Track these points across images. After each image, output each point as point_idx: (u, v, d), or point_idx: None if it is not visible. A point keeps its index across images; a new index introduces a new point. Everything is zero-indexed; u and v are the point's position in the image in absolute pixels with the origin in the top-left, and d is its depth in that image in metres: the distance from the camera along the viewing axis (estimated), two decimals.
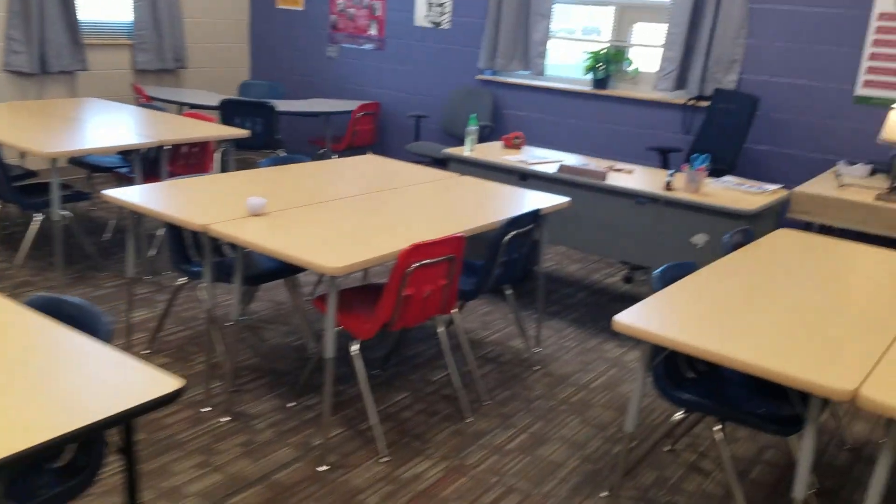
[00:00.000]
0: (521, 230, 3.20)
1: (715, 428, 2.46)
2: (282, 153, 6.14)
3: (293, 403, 3.10)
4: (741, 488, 2.75)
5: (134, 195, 2.97)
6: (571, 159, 4.49)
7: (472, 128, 4.52)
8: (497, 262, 3.19)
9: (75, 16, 6.13)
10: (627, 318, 2.18)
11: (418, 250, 2.67)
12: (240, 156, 7.29)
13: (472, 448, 2.91)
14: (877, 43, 4.68)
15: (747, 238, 3.11)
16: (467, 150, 4.53)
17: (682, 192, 3.81)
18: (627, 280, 4.88)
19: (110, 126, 4.40)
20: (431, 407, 3.18)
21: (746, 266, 2.75)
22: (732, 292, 2.45)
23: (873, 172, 4.39)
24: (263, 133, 5.87)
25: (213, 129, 4.56)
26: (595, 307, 4.39)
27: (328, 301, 2.58)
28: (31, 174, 4.59)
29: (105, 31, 6.55)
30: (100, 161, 4.90)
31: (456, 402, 3.23)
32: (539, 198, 3.58)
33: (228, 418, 2.95)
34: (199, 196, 3.04)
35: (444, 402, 3.22)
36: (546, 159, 4.45)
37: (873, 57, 4.69)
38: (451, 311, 3.05)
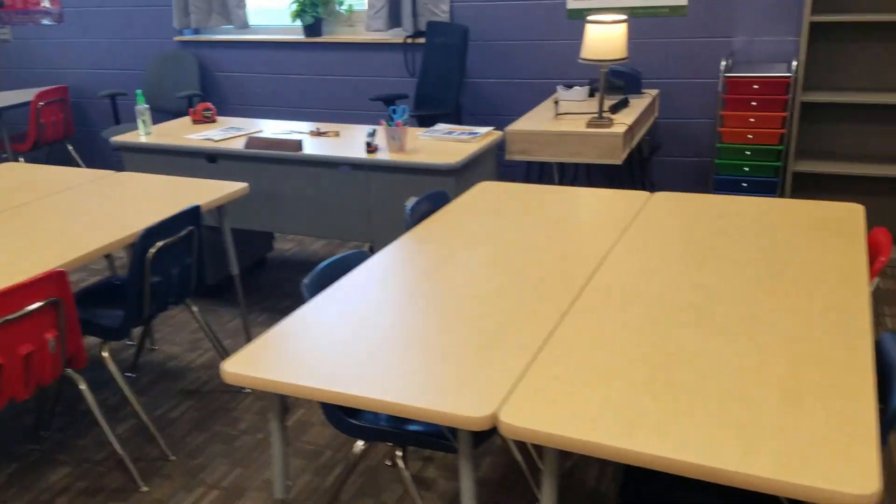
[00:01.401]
0: (171, 239, 2.54)
1: (397, 453, 2.00)
2: None
3: None
4: None
5: None
6: (275, 127, 3.85)
7: (141, 107, 3.73)
8: (146, 284, 2.52)
9: None
10: (237, 366, 1.61)
11: None
12: None
13: None
14: None
15: (438, 201, 2.65)
16: (142, 135, 3.75)
17: (386, 153, 3.31)
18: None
19: None
20: (98, 482, 2.50)
21: (412, 255, 2.28)
22: (380, 304, 1.96)
23: (592, 93, 4.12)
24: None
25: None
26: None
27: None
28: None
29: None
30: None
31: (138, 461, 2.57)
32: (210, 188, 2.92)
33: None
34: None
35: (116, 471, 2.55)
36: (242, 131, 3.78)
37: None
38: (75, 368, 2.35)
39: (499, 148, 3.69)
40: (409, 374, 1.54)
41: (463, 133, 3.51)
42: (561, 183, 4.60)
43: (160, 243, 2.50)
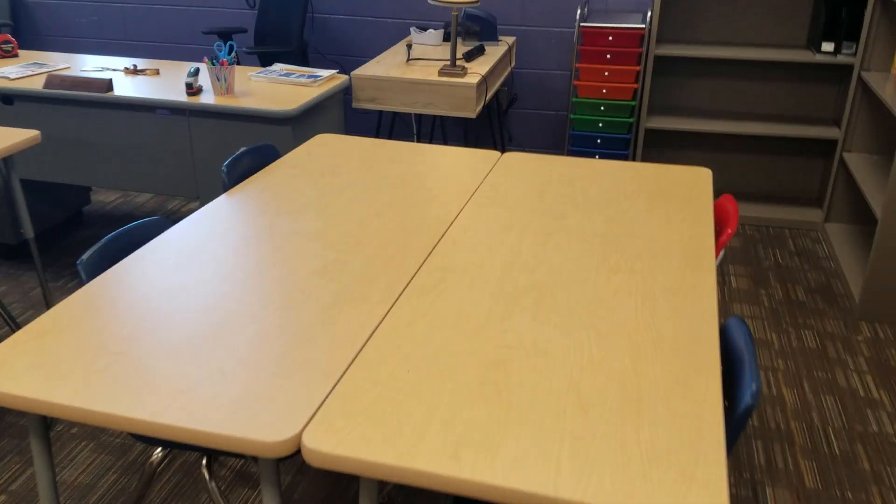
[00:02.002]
0: None
1: (203, 463, 1.74)
2: None
3: None
4: None
5: None
6: (88, 63, 3.35)
7: None
8: None
9: None
10: None
11: None
12: None
13: None
14: None
15: (265, 156, 2.34)
16: None
17: (211, 96, 2.93)
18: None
19: None
20: None
21: (221, 225, 1.98)
22: (170, 291, 1.67)
23: (447, 38, 3.87)
24: None
25: None
26: None
27: None
28: None
29: None
30: None
31: None
32: None
33: None
34: None
35: None
36: (46, 68, 3.26)
37: None
38: None
39: (347, 94, 3.39)
40: (195, 387, 1.27)
41: (302, 76, 3.17)
42: (418, 135, 4.35)
43: None
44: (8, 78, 3.10)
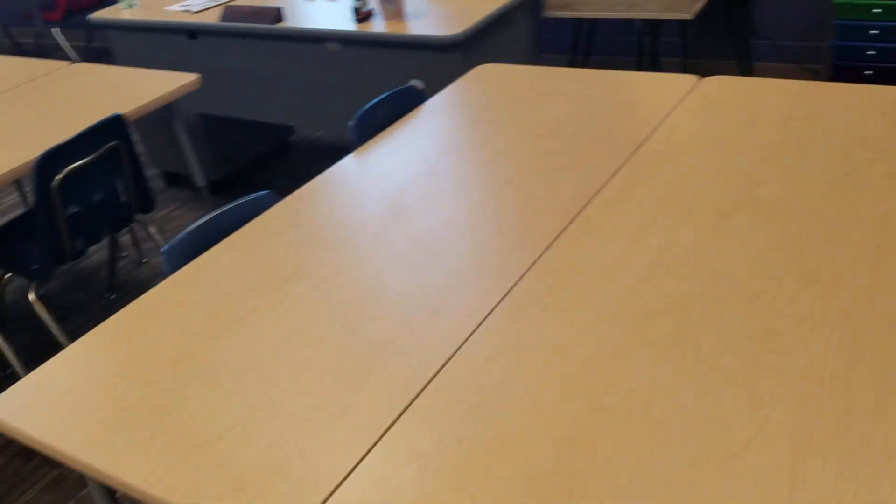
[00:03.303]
0: (84, 161, 2.09)
1: None
2: None
3: None
4: None
5: None
6: None
7: None
8: (61, 218, 2.11)
9: None
10: (8, 406, 1.17)
11: None
12: None
13: None
14: None
15: (406, 102, 2.01)
16: (123, 8, 3.24)
17: (381, 22, 2.63)
18: None
19: None
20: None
21: (331, 200, 1.69)
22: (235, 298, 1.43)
23: None
24: None
25: None
26: None
27: None
28: None
29: None
30: None
31: None
32: (158, 80, 2.41)
33: None
34: None
35: None
36: None
37: None
38: None
39: (537, 2, 2.91)
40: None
41: None
42: (636, 57, 3.71)
43: (70, 167, 2.05)
44: (190, 11, 3.06)
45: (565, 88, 1.96)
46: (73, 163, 2.06)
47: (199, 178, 2.63)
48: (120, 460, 1.03)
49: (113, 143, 2.16)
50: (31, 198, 3.50)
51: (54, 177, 2.03)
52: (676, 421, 0.96)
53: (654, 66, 3.53)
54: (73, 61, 2.73)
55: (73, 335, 2.63)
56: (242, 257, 1.45)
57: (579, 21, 3.49)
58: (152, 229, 2.52)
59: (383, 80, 2.65)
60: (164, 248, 1.49)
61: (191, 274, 1.43)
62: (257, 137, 3.57)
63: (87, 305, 2.80)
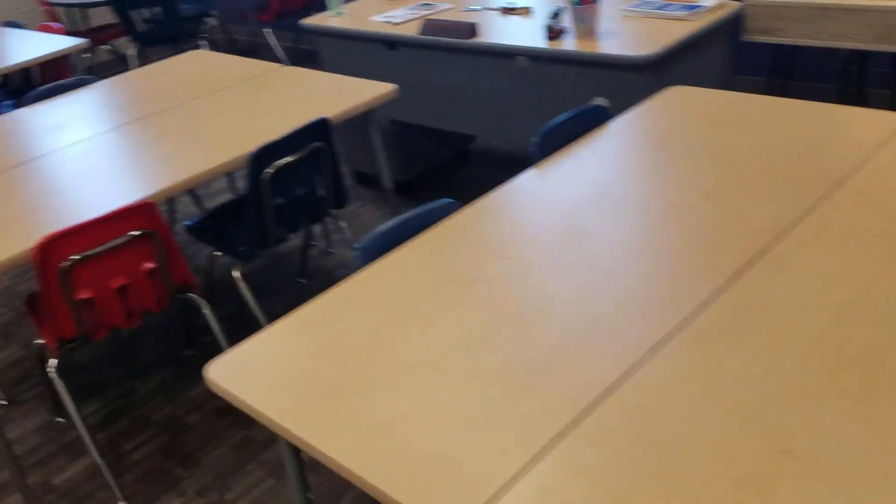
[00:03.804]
0: (291, 158, 2.29)
1: None
2: (203, 45, 5.28)
3: (60, 419, 2.52)
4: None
5: None
6: (471, 1, 3.36)
7: None
8: (268, 207, 2.33)
9: None
10: (219, 373, 1.33)
11: (62, 241, 1.88)
12: (161, 53, 6.46)
13: (247, 468, 2.22)
14: None
15: (587, 122, 2.04)
16: (331, 16, 3.50)
17: (572, 40, 2.68)
18: None
19: None
20: (228, 405, 2.48)
21: (511, 211, 1.75)
22: (423, 300, 1.51)
23: None
24: (166, 21, 5.02)
25: (45, 46, 3.78)
26: None
27: None
28: None
29: None
30: None
31: None
32: (360, 88, 2.60)
33: None
34: None
35: None
36: (432, 9, 3.35)
37: None
38: (195, 294, 2.26)
39: (737, 25, 2.83)
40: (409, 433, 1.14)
41: (680, 7, 2.72)
42: (839, 85, 3.52)
43: (279, 163, 2.27)
44: (392, 22, 3.25)
45: (760, 117, 1.92)
46: (283, 159, 2.27)
47: (387, 180, 2.80)
48: (313, 428, 1.15)
49: (318, 143, 2.36)
50: (239, 184, 3.86)
51: (265, 170, 2.26)
52: (864, 477, 0.94)
53: (860, 98, 3.32)
54: (282, 61, 3.00)
55: (266, 312, 2.89)
56: (427, 260, 1.56)
57: (780, 45, 3.37)
58: (343, 223, 2.71)
59: (568, 97, 2.70)
60: (359, 244, 1.62)
61: (380, 270, 1.55)
62: (440, 144, 3.73)
63: (280, 287, 3.06)
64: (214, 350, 2.74)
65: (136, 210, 1.98)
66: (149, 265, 2.08)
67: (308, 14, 5.94)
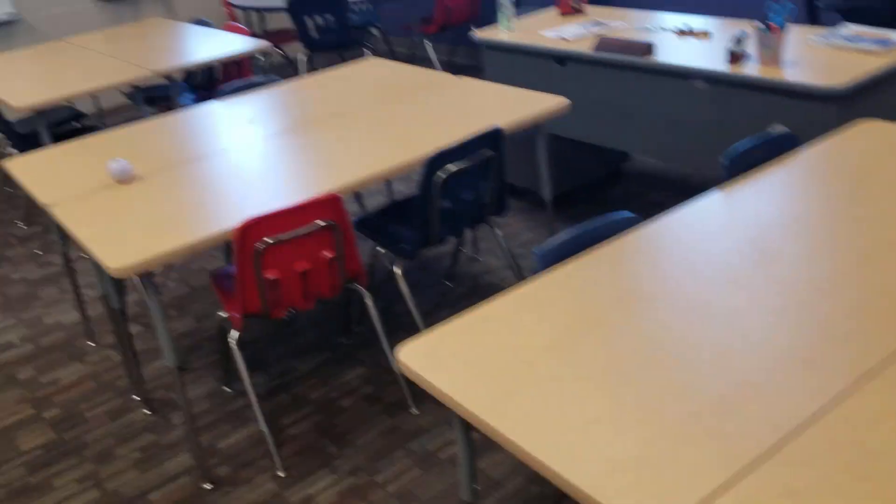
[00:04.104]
0: (463, 164, 2.37)
1: None
2: (368, 54, 5.52)
3: (228, 389, 2.70)
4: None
5: (30, 162, 2.62)
6: (645, 21, 3.36)
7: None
8: (434, 209, 2.42)
9: None
10: (412, 357, 1.40)
11: (260, 224, 2.03)
12: (327, 58, 6.77)
13: (394, 455, 2.30)
14: None
15: (780, 145, 2.00)
16: (502, 30, 3.58)
17: (755, 65, 2.63)
18: None
19: (143, 55, 4.10)
20: (380, 391, 2.59)
21: (697, 229, 1.74)
22: (610, 307, 1.53)
23: None
24: (338, 29, 5.28)
25: (231, 46, 4.07)
26: None
27: (148, 303, 2.06)
28: (79, 115, 4.49)
29: None
30: (156, 93, 4.69)
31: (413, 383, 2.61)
32: (531, 100, 2.66)
33: (147, 412, 2.63)
34: (91, 159, 2.60)
35: (397, 386, 2.61)
36: (602, 27, 3.37)
37: None
38: (360, 285, 2.38)
39: None
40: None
41: (873, 41, 2.62)
42: None
43: (451, 168, 2.35)
44: (565, 39, 3.29)
45: None
46: (456, 164, 2.36)
47: (547, 193, 2.84)
48: (507, 419, 1.20)
49: (489, 152, 2.43)
50: (395, 187, 4.02)
51: (438, 174, 2.35)
52: None
53: None
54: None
55: (417, 309, 2.99)
56: (608, 270, 1.58)
57: None
58: (498, 231, 2.77)
59: (744, 122, 2.64)
60: (539, 250, 1.66)
61: (561, 276, 1.59)
62: (593, 160, 3.73)
63: (427, 288, 3.16)
64: (366, 339, 2.86)
65: (324, 202, 2.12)
66: (328, 253, 2.21)
67: (467, 28, 6.12)
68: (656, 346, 1.33)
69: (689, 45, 2.96)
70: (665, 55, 2.89)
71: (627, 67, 2.98)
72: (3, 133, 3.99)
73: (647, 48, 2.89)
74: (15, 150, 3.97)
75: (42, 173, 2.51)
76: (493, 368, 1.33)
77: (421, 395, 2.54)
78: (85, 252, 2.43)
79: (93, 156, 2.62)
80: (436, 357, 1.38)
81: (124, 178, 2.38)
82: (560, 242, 1.70)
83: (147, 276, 2.02)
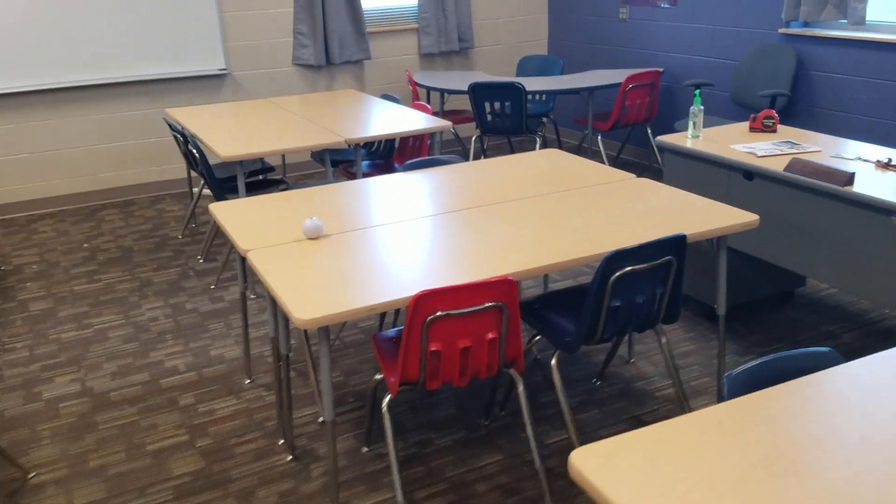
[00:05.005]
0: (641, 266, 2.33)
1: None
2: (538, 141, 5.63)
3: (366, 449, 2.72)
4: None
5: (230, 208, 2.83)
6: (840, 148, 3.23)
7: (696, 108, 3.52)
8: (603, 308, 2.37)
9: (359, 6, 6.33)
10: (582, 461, 1.35)
11: (434, 297, 2.07)
12: (495, 141, 6.93)
13: None
14: None
15: None
16: (689, 137, 3.55)
17: None
18: None
19: (333, 121, 4.39)
20: (517, 484, 2.52)
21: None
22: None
23: None
24: (513, 116, 5.43)
25: (416, 122, 4.28)
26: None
27: (321, 354, 2.13)
28: (268, 169, 4.83)
29: (390, 18, 6.68)
30: (338, 156, 4.98)
31: (556, 479, 2.52)
32: (718, 212, 2.59)
33: (290, 458, 2.69)
34: (286, 213, 2.77)
35: (535, 480, 2.53)
36: (795, 148, 3.27)
37: None
38: (516, 370, 2.35)
39: None
40: None
41: None
42: None
43: (627, 268, 2.32)
44: (755, 154, 3.21)
45: None
46: (633, 265, 2.32)
47: (721, 308, 2.73)
48: None
49: (669, 257, 2.38)
50: (550, 274, 4.00)
51: (614, 272, 2.32)
52: None
53: None
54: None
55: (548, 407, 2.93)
56: (804, 407, 1.48)
57: None
58: (663, 339, 2.68)
59: None
60: (729, 373, 1.59)
61: (752, 404, 1.50)
62: (765, 279, 3.56)
63: (575, 382, 3.09)
64: (508, 426, 2.82)
65: (499, 284, 2.13)
66: (492, 335, 2.22)
67: (641, 129, 6.12)
68: (855, 496, 1.22)
69: (891, 178, 2.81)
70: (864, 186, 2.75)
71: (822, 193, 2.85)
72: (203, 175, 4.35)
73: (849, 178, 2.76)
74: (208, 192, 4.30)
75: (241, 220, 2.69)
76: (675, 492, 1.26)
77: (561, 497, 2.45)
78: (271, 297, 2.56)
79: (287, 209, 2.79)
80: (614, 467, 1.33)
81: (315, 235, 2.51)
82: (751, 368, 1.62)
83: (325, 330, 2.10)
